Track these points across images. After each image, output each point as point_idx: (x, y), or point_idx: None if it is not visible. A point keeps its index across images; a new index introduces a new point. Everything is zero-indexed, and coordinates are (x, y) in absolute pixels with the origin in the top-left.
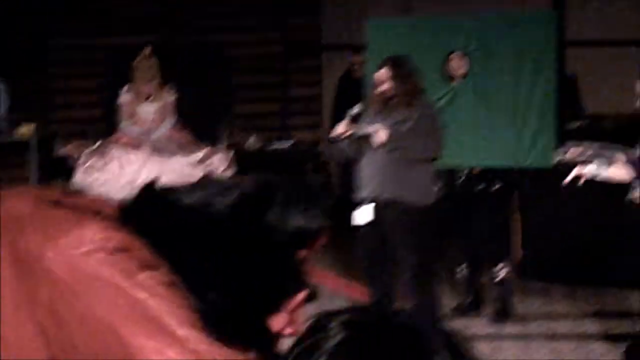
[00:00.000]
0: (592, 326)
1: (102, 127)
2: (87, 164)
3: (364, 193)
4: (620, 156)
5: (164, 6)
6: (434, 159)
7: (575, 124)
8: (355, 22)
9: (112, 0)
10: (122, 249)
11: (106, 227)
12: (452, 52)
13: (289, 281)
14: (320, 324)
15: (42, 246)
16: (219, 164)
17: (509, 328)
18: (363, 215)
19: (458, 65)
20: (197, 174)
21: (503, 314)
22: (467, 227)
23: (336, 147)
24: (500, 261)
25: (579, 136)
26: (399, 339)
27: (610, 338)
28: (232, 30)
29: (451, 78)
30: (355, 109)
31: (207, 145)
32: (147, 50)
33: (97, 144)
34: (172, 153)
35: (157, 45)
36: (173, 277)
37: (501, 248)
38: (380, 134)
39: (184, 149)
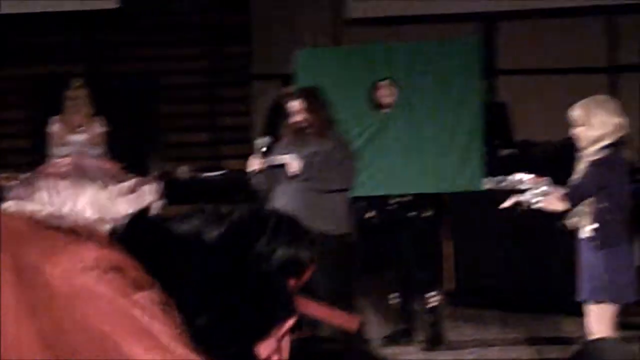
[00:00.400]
0: (524, 352)
1: (30, 158)
2: (16, 194)
3: None
4: (554, 190)
5: (92, 35)
6: (346, 189)
7: (506, 152)
8: (286, 51)
9: (38, 28)
10: (116, 268)
11: (101, 247)
12: (380, 81)
13: (277, 308)
14: None
15: (40, 260)
16: (149, 194)
17: (442, 355)
18: None
19: (386, 93)
20: (127, 204)
21: (435, 341)
22: (399, 255)
23: (256, 181)
24: (433, 288)
25: (510, 163)
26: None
27: None
28: (160, 59)
29: (380, 106)
30: (263, 142)
31: (136, 175)
32: (78, 81)
33: (26, 174)
34: (102, 183)
35: (84, 74)
36: (166, 298)
37: (433, 275)
38: (293, 164)
39: (114, 179)
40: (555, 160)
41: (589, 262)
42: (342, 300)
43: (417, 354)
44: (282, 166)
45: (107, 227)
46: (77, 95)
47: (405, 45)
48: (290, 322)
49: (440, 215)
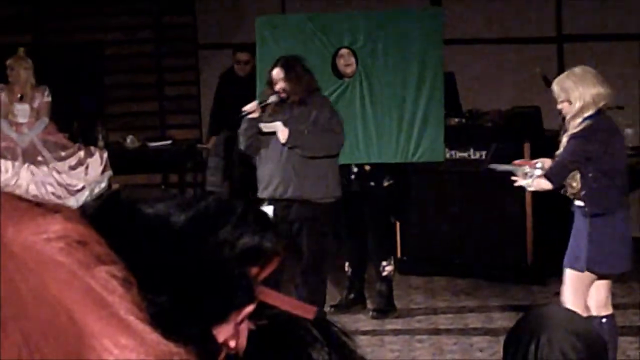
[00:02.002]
0: (473, 320)
1: None
2: None
3: (265, 192)
4: (538, 171)
5: (35, 6)
6: (334, 155)
7: (454, 121)
8: (230, 20)
9: None
10: (80, 242)
11: (67, 220)
12: (340, 49)
13: (236, 294)
14: None
15: (3, 226)
16: (95, 166)
17: (391, 323)
18: None
19: (347, 62)
20: (73, 180)
21: (386, 310)
22: (356, 224)
23: (246, 144)
24: (386, 257)
25: (459, 133)
26: (276, 332)
27: (490, 332)
28: (104, 29)
29: (341, 75)
30: (271, 98)
31: (81, 147)
32: (21, 51)
33: None
34: (46, 159)
35: (28, 45)
36: (128, 274)
37: (388, 244)
38: (283, 132)
39: (58, 152)
40: (503, 128)
41: (576, 229)
42: (320, 265)
43: (367, 321)
44: (269, 133)
45: (68, 202)
46: (16, 65)
47: (366, 14)
48: (249, 309)
49: (399, 185)
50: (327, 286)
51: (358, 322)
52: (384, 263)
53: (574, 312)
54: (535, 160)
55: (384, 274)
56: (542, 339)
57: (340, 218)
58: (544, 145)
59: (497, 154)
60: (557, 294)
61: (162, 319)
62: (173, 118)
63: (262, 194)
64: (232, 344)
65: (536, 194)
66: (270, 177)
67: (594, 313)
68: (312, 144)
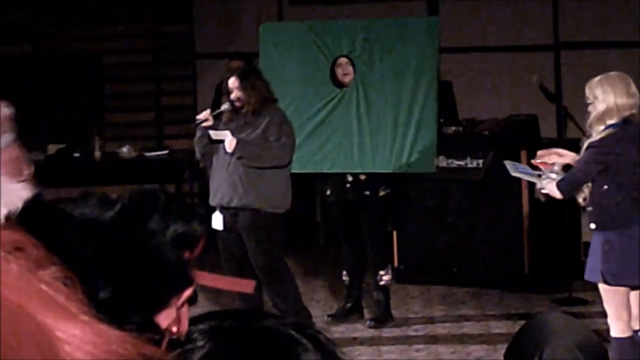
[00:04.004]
0: (471, 328)
1: None
2: None
3: (214, 200)
4: (559, 177)
5: (33, 15)
6: (284, 166)
7: (451, 129)
8: (227, 29)
9: None
10: (18, 249)
11: (2, 229)
12: (338, 58)
13: (173, 279)
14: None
15: None
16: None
17: (389, 332)
18: (216, 221)
19: (345, 71)
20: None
21: (383, 319)
22: (353, 233)
23: (201, 153)
24: (384, 266)
25: (455, 141)
26: (264, 342)
27: (488, 340)
28: (102, 38)
29: (339, 84)
30: (223, 107)
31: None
32: None
33: None
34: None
35: (27, 54)
36: (68, 273)
37: (385, 253)
38: (229, 141)
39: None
40: (500, 137)
41: (592, 241)
42: (273, 275)
43: (365, 331)
44: (218, 141)
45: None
46: None
47: (363, 23)
48: (187, 293)
49: (395, 195)
50: (325, 296)
51: (355, 331)
52: (382, 272)
53: (575, 321)
54: (553, 161)
55: (382, 283)
56: (545, 353)
57: (283, 229)
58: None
59: (494, 163)
60: (555, 301)
61: (106, 311)
62: (170, 128)
63: (212, 201)
64: (174, 329)
65: (533, 201)
66: (219, 185)
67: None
68: (259, 154)
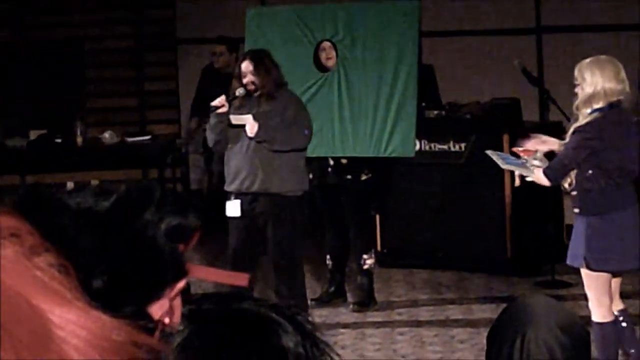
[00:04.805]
0: (454, 312)
1: None
2: None
3: (232, 186)
4: (543, 164)
5: (14, 2)
6: (301, 150)
7: (433, 113)
8: (211, 14)
9: None
10: (14, 235)
11: None
12: (322, 42)
13: (166, 270)
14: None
15: None
16: None
17: (372, 316)
18: (232, 208)
19: (328, 55)
20: None
21: (366, 303)
22: (335, 217)
23: (215, 139)
24: (367, 250)
25: (438, 125)
26: (243, 324)
27: (472, 324)
28: (84, 24)
29: (323, 68)
30: (238, 92)
31: None
32: None
33: None
34: None
35: (7, 41)
36: (62, 261)
37: (368, 237)
38: (250, 125)
39: None
40: (482, 120)
41: (575, 225)
42: (291, 259)
43: (348, 315)
44: (239, 126)
45: None
46: None
47: (346, 6)
48: (181, 284)
49: (377, 179)
50: (308, 280)
51: (339, 315)
52: (365, 256)
53: (556, 303)
54: (534, 148)
55: (365, 267)
56: (527, 335)
57: (306, 211)
58: (523, 137)
59: (476, 146)
60: (538, 284)
61: (99, 300)
62: (152, 113)
63: (228, 187)
64: (166, 320)
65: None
66: (237, 171)
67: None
68: (280, 139)
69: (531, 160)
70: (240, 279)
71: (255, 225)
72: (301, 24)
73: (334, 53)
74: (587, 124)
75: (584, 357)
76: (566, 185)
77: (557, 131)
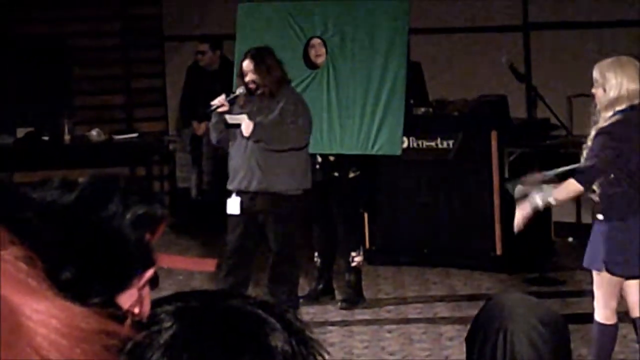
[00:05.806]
0: (442, 309)
1: None
2: None
3: (232, 185)
4: (555, 184)
5: None
6: (301, 148)
7: (421, 110)
8: (197, 12)
9: None
10: None
11: None
12: (311, 39)
13: (134, 260)
14: (150, 314)
15: None
16: None
17: (360, 314)
18: (232, 205)
19: (318, 52)
20: None
21: (354, 300)
22: (323, 214)
23: (217, 138)
24: (356, 248)
25: (425, 122)
26: (231, 322)
27: (460, 321)
28: (70, 21)
29: (312, 65)
30: (239, 91)
31: None
32: None
33: None
34: None
35: None
36: (29, 253)
37: (356, 235)
38: (245, 125)
39: None
40: (470, 117)
41: (594, 229)
42: (290, 258)
43: (336, 312)
44: (235, 125)
45: None
46: None
47: (337, 3)
48: (149, 273)
49: (365, 176)
50: (301, 277)
51: (327, 312)
52: (353, 254)
53: (532, 299)
54: (539, 174)
55: (353, 264)
56: (508, 330)
57: (308, 210)
58: (511, 134)
59: (464, 143)
60: (526, 281)
61: (68, 291)
62: (139, 111)
63: (229, 185)
64: (136, 310)
65: (503, 181)
66: (236, 170)
67: (631, 315)
68: (276, 137)
69: (543, 187)
70: (208, 265)
71: (255, 222)
72: (291, 20)
73: (323, 50)
74: (611, 124)
75: (565, 347)
76: (595, 197)
77: (544, 127)
